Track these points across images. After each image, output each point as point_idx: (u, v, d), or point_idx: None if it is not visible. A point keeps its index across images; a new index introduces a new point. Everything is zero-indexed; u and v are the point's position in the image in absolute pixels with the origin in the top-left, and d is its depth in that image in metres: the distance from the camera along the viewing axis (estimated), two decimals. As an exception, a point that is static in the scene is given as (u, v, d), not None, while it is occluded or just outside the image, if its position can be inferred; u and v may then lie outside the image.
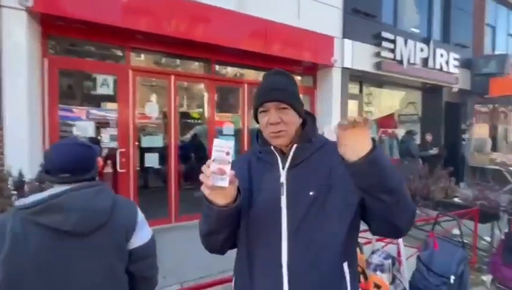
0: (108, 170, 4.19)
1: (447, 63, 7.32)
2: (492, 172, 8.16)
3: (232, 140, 0.96)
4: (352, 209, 0.91)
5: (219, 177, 0.79)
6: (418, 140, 6.91)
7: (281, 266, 0.90)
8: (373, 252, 2.39)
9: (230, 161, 0.80)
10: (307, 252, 0.90)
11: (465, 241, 3.93)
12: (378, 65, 6.08)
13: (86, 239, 1.02)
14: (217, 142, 0.81)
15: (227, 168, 0.79)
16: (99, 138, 4.13)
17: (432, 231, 2.79)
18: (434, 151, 6.01)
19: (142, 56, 4.56)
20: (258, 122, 1.03)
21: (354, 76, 6.32)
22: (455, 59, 7.51)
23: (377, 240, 2.44)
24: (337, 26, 5.64)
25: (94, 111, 4.29)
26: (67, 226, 0.98)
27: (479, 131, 9.12)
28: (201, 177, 0.82)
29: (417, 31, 7.24)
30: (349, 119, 0.78)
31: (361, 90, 6.85)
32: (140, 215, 1.20)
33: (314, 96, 5.92)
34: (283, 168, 0.98)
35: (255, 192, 0.98)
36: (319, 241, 0.90)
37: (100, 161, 3.89)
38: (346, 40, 5.66)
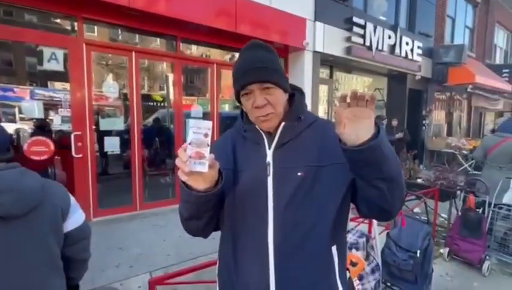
0: (62, 155, 3.80)
1: (411, 51, 7.57)
2: (447, 155, 8.78)
3: (209, 121, 0.84)
4: (342, 191, 0.86)
5: (197, 161, 0.72)
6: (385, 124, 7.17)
7: (267, 249, 0.85)
8: (348, 231, 2.40)
9: (209, 143, 0.73)
10: (293, 234, 0.85)
11: (425, 218, 4.18)
12: (348, 50, 6.11)
13: (21, 221, 0.98)
14: (193, 122, 0.73)
15: (206, 152, 0.73)
16: (47, 120, 3.70)
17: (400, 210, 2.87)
18: (399, 135, 6.27)
19: (98, 29, 4.10)
20: (240, 104, 0.95)
21: (324, 61, 6.30)
22: (419, 47, 7.80)
23: (351, 220, 2.44)
24: (309, 8, 5.53)
25: (40, 91, 3.81)
26: (1, 210, 0.93)
27: (437, 117, 9.71)
28: (177, 161, 0.74)
29: (384, 18, 7.36)
30: (353, 92, 0.71)
31: (331, 76, 6.88)
32: (72, 198, 1.16)
33: (285, 80, 5.81)
34: (269, 148, 0.92)
35: (239, 172, 0.92)
36: (307, 224, 0.85)
37: (50, 144, 3.51)
38: (318, 23, 5.58)
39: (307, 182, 0.85)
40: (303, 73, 5.54)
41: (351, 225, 2.43)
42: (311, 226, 0.84)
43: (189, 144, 0.72)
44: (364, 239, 2.23)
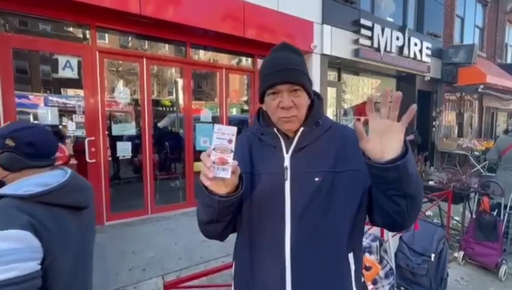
0: (76, 160, 3.88)
1: (420, 52, 7.50)
2: (459, 156, 8.63)
3: (234, 126, 0.85)
4: (358, 198, 0.85)
5: (221, 167, 0.72)
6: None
7: (284, 254, 0.85)
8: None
9: (233, 149, 0.72)
10: (310, 240, 0.85)
11: (438, 221, 4.12)
12: (356, 52, 6.09)
13: (86, 213, 1.10)
14: (218, 127, 0.72)
15: (230, 158, 0.72)
16: (60, 126, 3.79)
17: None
18: (410, 137, 6.18)
19: (110, 37, 4.19)
20: (262, 103, 0.95)
21: (332, 63, 6.29)
22: (428, 48, 7.71)
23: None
24: (316, 11, 5.54)
25: (55, 98, 3.90)
26: (84, 203, 1.08)
27: (448, 118, 9.56)
28: (201, 167, 0.74)
29: (392, 20, 7.32)
30: (385, 96, 0.72)
31: (339, 78, 6.87)
32: None
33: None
34: (287, 152, 0.92)
35: (256, 176, 0.91)
36: (324, 230, 0.85)
37: (65, 150, 3.59)
38: (326, 26, 5.59)
39: (324, 188, 0.85)
40: (311, 76, 5.52)
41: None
42: (328, 232, 0.84)
43: (214, 149, 0.72)
44: (377, 243, 2.21)
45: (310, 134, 0.92)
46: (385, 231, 2.26)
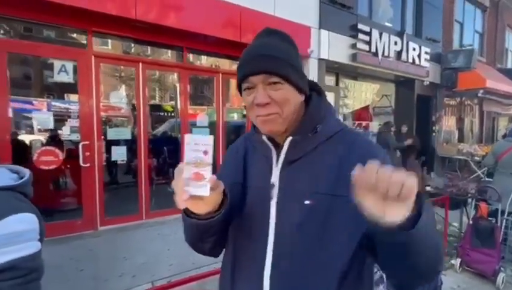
0: (70, 164, 3.88)
1: (418, 56, 7.50)
2: (459, 162, 8.56)
3: (208, 135, 0.83)
4: (360, 234, 0.67)
5: (197, 184, 0.60)
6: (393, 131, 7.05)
7: (262, 283, 0.72)
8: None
9: (211, 161, 0.61)
10: (294, 274, 0.71)
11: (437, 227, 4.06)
12: (354, 57, 6.09)
13: None
14: (190, 138, 0.61)
15: (207, 172, 0.60)
16: (55, 130, 3.81)
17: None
18: (409, 142, 6.15)
19: (106, 41, 4.22)
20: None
21: (330, 68, 6.30)
22: (426, 53, 7.71)
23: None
24: (313, 16, 5.56)
25: (50, 102, 3.92)
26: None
27: (448, 123, 9.51)
28: (174, 185, 0.62)
29: (390, 25, 7.33)
30: (369, 175, 0.51)
31: (337, 83, 6.86)
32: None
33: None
34: (277, 165, 0.76)
35: (247, 188, 0.79)
36: (312, 267, 0.69)
37: (59, 154, 3.60)
38: (323, 31, 5.60)
39: (317, 214, 0.69)
40: (308, 81, 5.53)
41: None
42: (316, 270, 0.69)
43: (186, 163, 0.61)
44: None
45: (304, 143, 0.74)
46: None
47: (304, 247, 0.70)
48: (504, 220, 3.47)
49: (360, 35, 6.10)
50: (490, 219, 3.39)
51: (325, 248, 0.69)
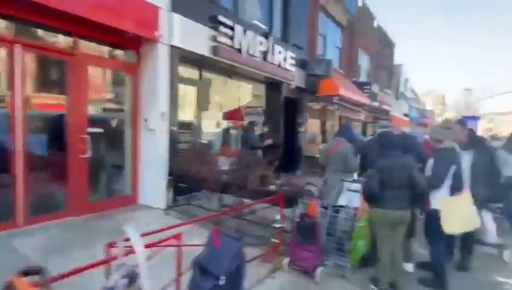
0: None
1: (285, 60, 7.85)
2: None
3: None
4: None
5: None
6: (259, 131, 7.08)
7: None
8: (116, 269, 1.73)
9: None
10: None
11: (277, 225, 4.00)
12: (214, 50, 5.74)
13: None
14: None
15: None
16: None
17: (216, 226, 2.43)
18: (268, 141, 6.20)
19: None
20: None
21: (190, 59, 5.78)
22: (292, 58, 8.17)
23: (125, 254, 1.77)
24: (165, -4, 4.90)
25: None
26: None
27: (313, 125, 10.49)
28: None
29: (258, 24, 7.40)
30: None
31: (201, 77, 6.41)
32: None
33: (138, 76, 5.00)
34: None
35: None
36: None
37: None
38: (176, 15, 5.00)
39: None
40: (157, 69, 4.84)
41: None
42: None
43: None
44: (126, 280, 1.60)
45: None
46: (140, 254, 1.67)
47: None
48: (329, 215, 3.63)
49: (222, 28, 5.79)
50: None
51: None
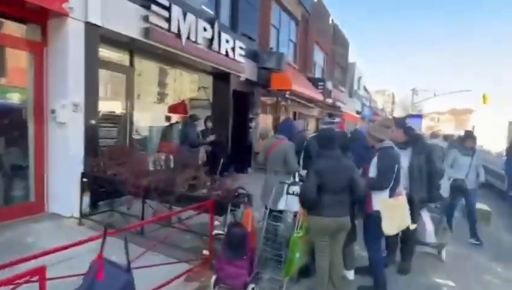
0: None
1: (233, 50, 7.30)
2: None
3: None
4: None
5: None
6: (203, 126, 6.47)
7: None
8: None
9: None
10: None
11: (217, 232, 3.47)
12: (146, 32, 4.98)
13: None
14: None
15: None
16: None
17: (100, 253, 1.83)
18: (211, 138, 5.64)
19: None
20: None
21: (119, 43, 4.98)
22: (241, 48, 7.65)
23: None
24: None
25: None
26: None
27: (264, 120, 10.13)
28: None
29: (203, 8, 6.73)
30: None
31: (132, 63, 5.59)
32: None
33: (44, 57, 4.08)
34: None
35: None
36: None
37: None
38: (91, -15, 4.16)
39: None
40: (67, 49, 3.97)
41: None
42: None
43: None
44: None
45: None
46: None
47: None
48: (265, 222, 3.22)
49: (155, 8, 5.05)
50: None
51: None
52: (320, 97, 11.89)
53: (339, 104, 15.83)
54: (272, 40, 10.07)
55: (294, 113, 12.17)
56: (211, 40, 6.53)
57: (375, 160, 2.88)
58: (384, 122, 3.16)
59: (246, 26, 8.17)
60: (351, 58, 21.86)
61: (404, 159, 3.07)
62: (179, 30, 5.53)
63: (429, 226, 3.18)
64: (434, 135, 9.01)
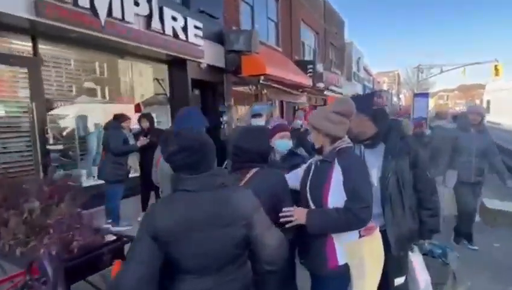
0: None
1: (184, 30, 5.98)
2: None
3: None
4: None
5: None
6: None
7: None
8: None
9: None
10: None
11: None
12: (36, 7, 3.72)
13: None
14: None
15: None
16: None
17: None
18: (143, 141, 4.32)
19: None
20: None
21: (10, 27, 3.76)
22: (197, 28, 6.32)
23: None
24: None
25: None
26: None
27: (241, 112, 8.83)
28: None
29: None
30: None
31: (36, 52, 4.34)
32: None
33: None
34: None
35: None
36: None
37: None
38: None
39: None
40: None
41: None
42: None
43: None
44: None
45: None
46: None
47: None
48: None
49: (47, -26, 3.78)
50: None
51: None
52: (307, 82, 10.46)
53: (334, 88, 14.35)
54: (244, 19, 8.68)
55: (281, 102, 10.80)
56: (149, 17, 5.23)
57: (336, 175, 1.54)
58: (340, 105, 1.76)
59: (203, 1, 6.81)
60: (348, 38, 20.17)
61: (372, 166, 1.74)
62: (92, 4, 4.25)
63: (423, 276, 1.83)
64: (440, 115, 7.56)
